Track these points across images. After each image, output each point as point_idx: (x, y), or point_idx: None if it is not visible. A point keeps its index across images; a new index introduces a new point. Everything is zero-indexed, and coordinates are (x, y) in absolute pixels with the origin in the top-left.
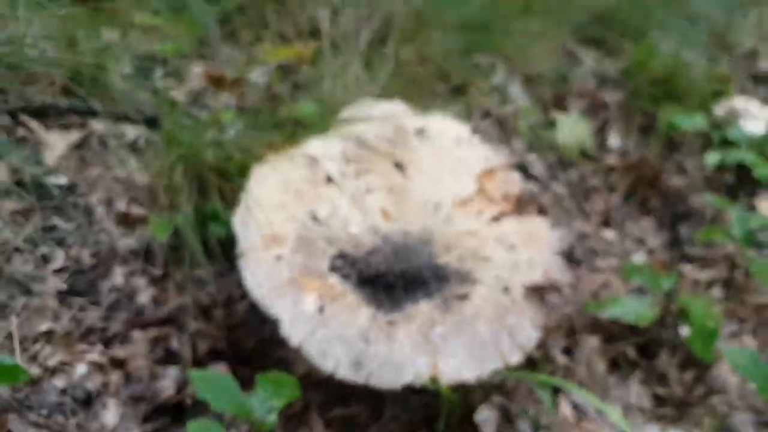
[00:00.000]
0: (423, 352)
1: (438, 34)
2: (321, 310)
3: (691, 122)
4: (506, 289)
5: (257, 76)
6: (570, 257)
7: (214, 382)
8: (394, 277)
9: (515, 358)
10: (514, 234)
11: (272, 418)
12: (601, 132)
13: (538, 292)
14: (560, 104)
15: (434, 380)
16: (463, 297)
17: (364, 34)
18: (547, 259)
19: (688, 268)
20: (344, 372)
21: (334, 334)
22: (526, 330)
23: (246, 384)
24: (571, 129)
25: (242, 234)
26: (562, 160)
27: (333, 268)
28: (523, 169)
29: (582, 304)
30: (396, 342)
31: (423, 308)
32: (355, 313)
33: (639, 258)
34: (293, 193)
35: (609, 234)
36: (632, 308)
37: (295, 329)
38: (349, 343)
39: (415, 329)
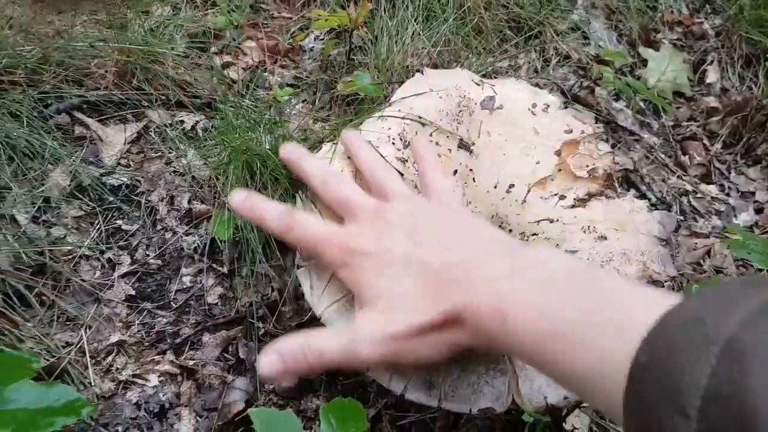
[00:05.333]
0: (500, 370)
1: None
2: None
3: None
4: None
5: (311, 42)
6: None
7: (275, 421)
8: None
9: None
10: (604, 220)
11: None
12: (698, 68)
13: None
14: (649, 39)
15: (516, 402)
16: None
17: None
18: (644, 250)
19: None
20: (414, 394)
21: None
22: None
23: (316, 390)
24: (664, 67)
25: None
26: (654, 104)
27: None
28: (609, 120)
29: (680, 280)
30: (469, 359)
31: None
32: None
33: (746, 217)
34: None
35: (711, 189)
36: None
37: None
38: None
39: None
